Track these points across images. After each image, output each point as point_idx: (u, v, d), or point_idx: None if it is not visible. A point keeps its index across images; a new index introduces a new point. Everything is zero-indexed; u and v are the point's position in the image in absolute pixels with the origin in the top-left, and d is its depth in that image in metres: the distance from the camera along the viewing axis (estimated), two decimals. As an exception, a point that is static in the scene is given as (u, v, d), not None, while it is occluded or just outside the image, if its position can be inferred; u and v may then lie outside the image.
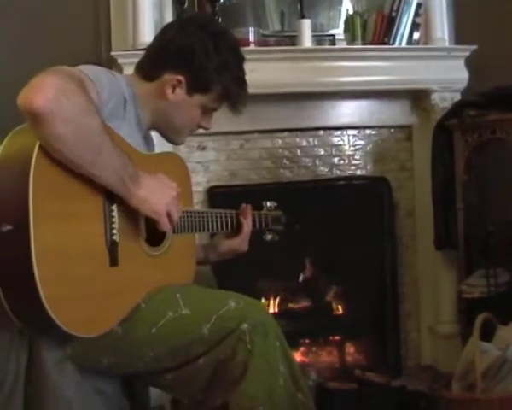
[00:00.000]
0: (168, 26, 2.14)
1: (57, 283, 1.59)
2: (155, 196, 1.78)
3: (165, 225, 1.81)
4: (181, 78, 1.97)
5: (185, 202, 2.06)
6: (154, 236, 1.87)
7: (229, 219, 2.23)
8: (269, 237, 2.42)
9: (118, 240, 1.74)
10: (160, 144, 2.31)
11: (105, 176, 1.67)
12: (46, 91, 1.53)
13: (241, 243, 2.26)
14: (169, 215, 1.82)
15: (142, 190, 1.75)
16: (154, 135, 2.18)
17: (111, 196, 1.73)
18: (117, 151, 1.68)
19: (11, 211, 1.58)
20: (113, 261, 1.74)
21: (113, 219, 1.74)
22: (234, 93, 2.04)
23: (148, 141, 2.12)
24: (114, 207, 1.74)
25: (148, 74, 2.01)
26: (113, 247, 1.74)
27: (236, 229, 2.27)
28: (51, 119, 1.53)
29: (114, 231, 1.74)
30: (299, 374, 1.85)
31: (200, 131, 2.17)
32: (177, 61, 1.97)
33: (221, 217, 2.20)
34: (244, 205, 2.29)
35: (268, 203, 2.43)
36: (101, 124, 1.64)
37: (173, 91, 1.99)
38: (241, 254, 2.29)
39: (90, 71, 1.75)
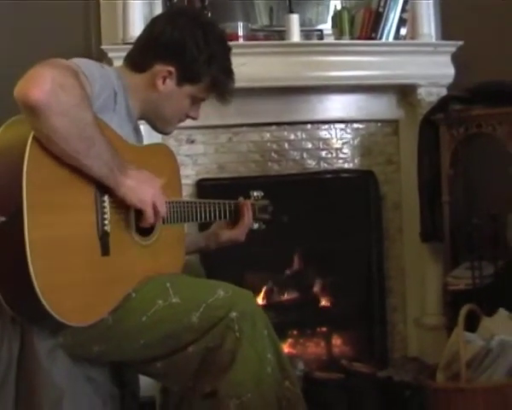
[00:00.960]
0: (158, 17, 2.17)
1: (50, 272, 1.61)
2: (142, 186, 1.81)
3: (150, 215, 1.84)
4: (172, 69, 2.00)
5: (174, 192, 2.09)
6: (144, 226, 1.90)
7: (217, 209, 2.25)
8: (255, 226, 2.43)
9: (109, 230, 1.77)
10: (150, 136, 2.33)
11: (96, 166, 1.69)
12: (43, 84, 1.54)
13: (240, 233, 2.33)
14: (155, 207, 1.84)
15: (129, 180, 1.77)
16: (144, 126, 2.19)
17: (102, 188, 1.75)
18: (106, 143, 1.70)
19: (5, 202, 1.59)
20: (105, 251, 1.76)
21: (105, 210, 1.76)
22: (222, 83, 2.08)
23: (137, 132, 2.14)
24: (106, 198, 1.77)
25: (138, 66, 2.03)
26: (104, 237, 1.76)
27: (235, 220, 2.33)
28: (48, 111, 1.55)
29: (106, 222, 1.76)
30: (287, 362, 1.89)
31: (189, 124, 2.20)
32: (168, 53, 2.00)
33: (209, 207, 2.22)
34: (242, 198, 2.36)
35: (255, 193, 2.45)
36: (94, 117, 1.67)
37: (164, 82, 2.01)
38: (237, 243, 2.36)
39: (83, 64, 1.77)
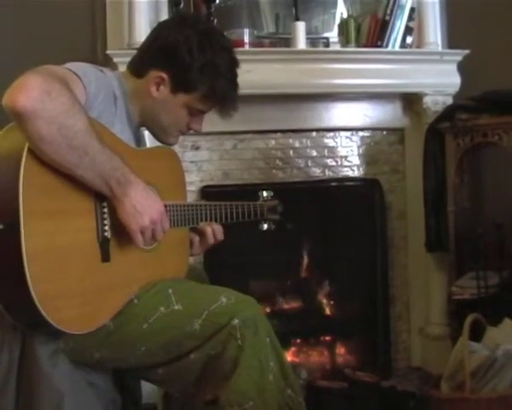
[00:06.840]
0: (160, 23, 2.13)
1: (48, 281, 1.60)
2: (137, 211, 1.74)
3: (138, 241, 1.78)
4: (164, 75, 1.95)
5: (178, 195, 2.07)
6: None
7: (222, 212, 2.20)
8: (265, 226, 2.39)
9: (109, 236, 1.75)
10: (154, 143, 2.32)
11: (89, 178, 1.66)
12: (30, 91, 1.53)
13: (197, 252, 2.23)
14: (143, 234, 1.78)
15: (126, 199, 1.72)
16: (148, 136, 2.18)
17: (102, 193, 1.72)
18: (106, 153, 1.67)
19: (2, 210, 1.58)
20: (105, 257, 1.75)
21: (105, 216, 1.75)
22: (219, 94, 1.99)
23: (139, 139, 2.12)
24: (106, 203, 1.75)
25: (137, 71, 2.01)
26: (104, 243, 1.74)
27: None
28: (34, 118, 1.53)
29: (106, 228, 1.75)
30: (289, 370, 1.87)
31: (193, 129, 2.18)
32: (161, 59, 1.96)
33: (215, 209, 2.17)
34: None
35: (264, 193, 2.39)
36: (87, 124, 1.63)
37: (158, 89, 1.97)
38: None
39: (76, 67, 1.76)
